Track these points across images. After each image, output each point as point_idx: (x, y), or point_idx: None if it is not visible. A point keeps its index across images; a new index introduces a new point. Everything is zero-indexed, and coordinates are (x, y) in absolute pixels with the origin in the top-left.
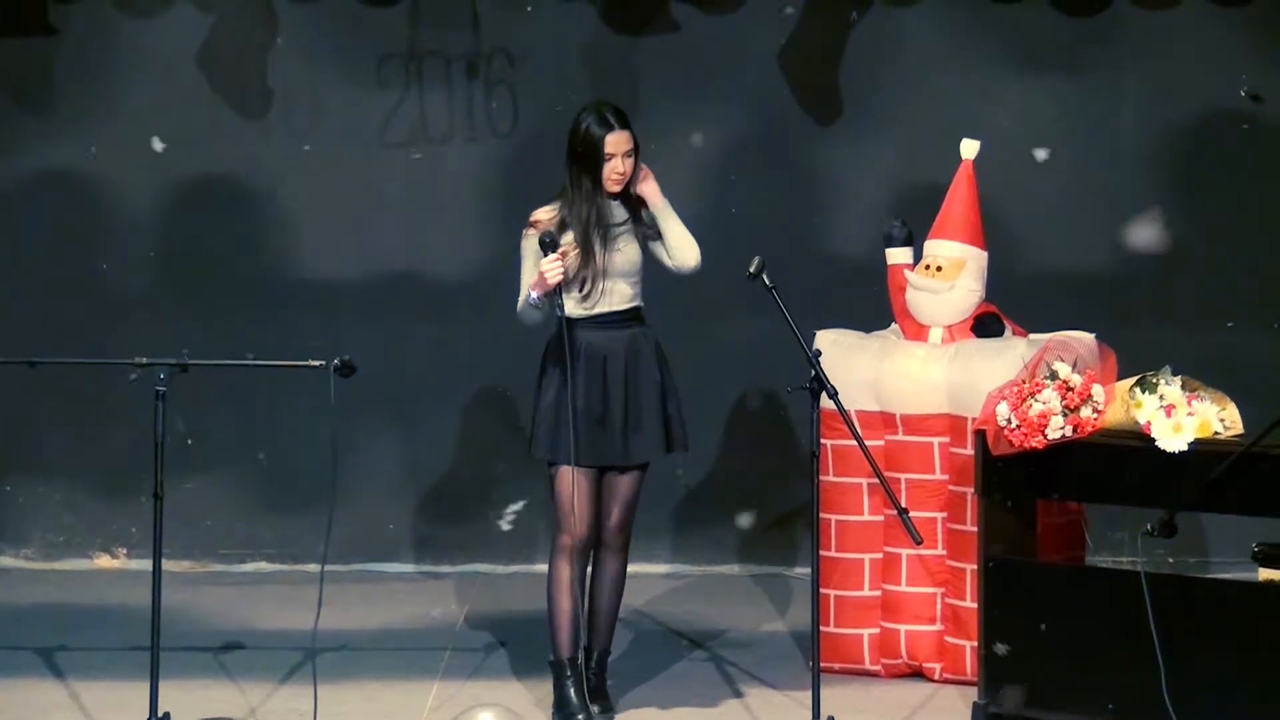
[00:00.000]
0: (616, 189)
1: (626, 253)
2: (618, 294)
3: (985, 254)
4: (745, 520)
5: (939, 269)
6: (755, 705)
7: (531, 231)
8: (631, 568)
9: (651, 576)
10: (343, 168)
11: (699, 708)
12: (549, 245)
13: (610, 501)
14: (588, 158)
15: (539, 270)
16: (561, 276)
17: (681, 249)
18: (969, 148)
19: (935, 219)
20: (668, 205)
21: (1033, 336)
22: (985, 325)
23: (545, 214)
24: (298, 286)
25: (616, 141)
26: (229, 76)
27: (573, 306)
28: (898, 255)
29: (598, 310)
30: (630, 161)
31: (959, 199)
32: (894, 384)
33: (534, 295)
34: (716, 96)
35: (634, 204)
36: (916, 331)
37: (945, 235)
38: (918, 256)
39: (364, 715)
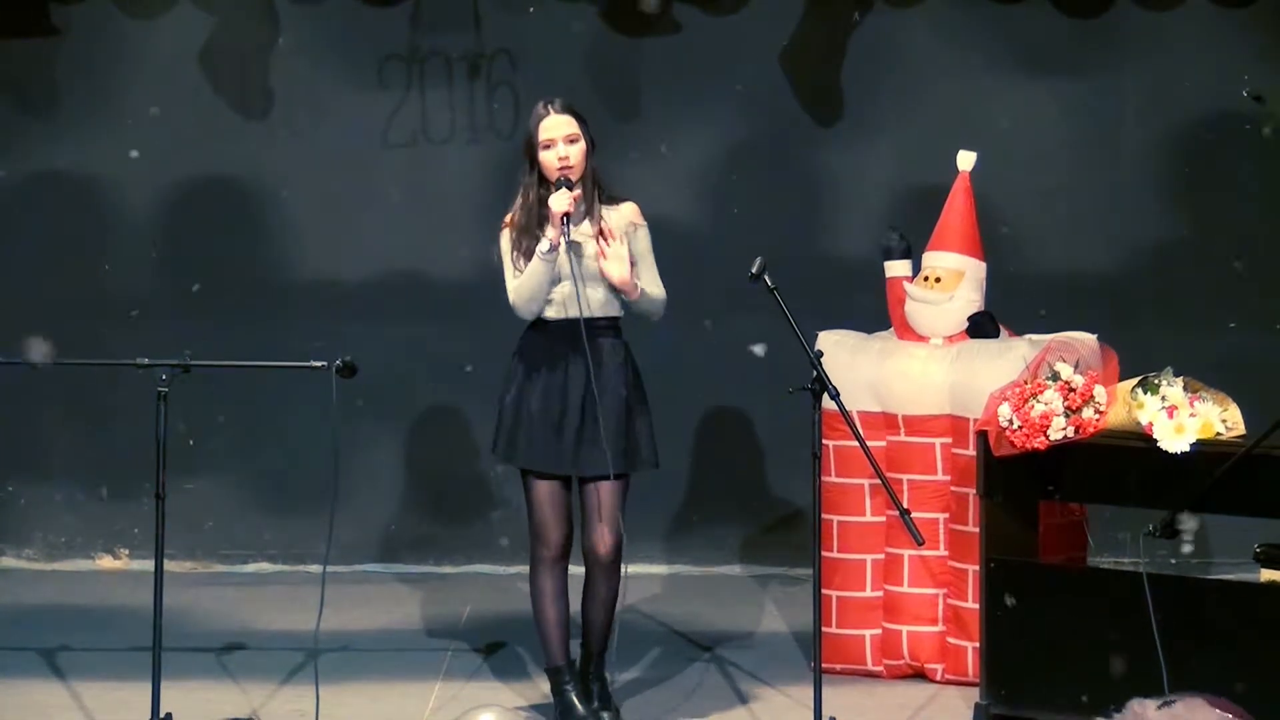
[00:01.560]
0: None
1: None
2: (592, 301)
3: (984, 265)
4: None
5: (937, 280)
6: (757, 706)
7: (507, 230)
8: (631, 568)
9: (652, 577)
10: (344, 168)
11: (700, 708)
12: (566, 184)
13: (594, 518)
14: (529, 150)
15: (549, 202)
16: (567, 208)
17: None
18: (965, 159)
19: (933, 231)
20: (636, 287)
21: (1034, 337)
22: (979, 325)
23: (514, 216)
24: (299, 287)
25: (552, 126)
26: (230, 77)
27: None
28: (896, 268)
29: (569, 315)
30: (576, 149)
31: (956, 210)
32: (896, 385)
33: (547, 240)
34: (717, 97)
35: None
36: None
37: (943, 247)
38: (916, 268)
39: (366, 716)
